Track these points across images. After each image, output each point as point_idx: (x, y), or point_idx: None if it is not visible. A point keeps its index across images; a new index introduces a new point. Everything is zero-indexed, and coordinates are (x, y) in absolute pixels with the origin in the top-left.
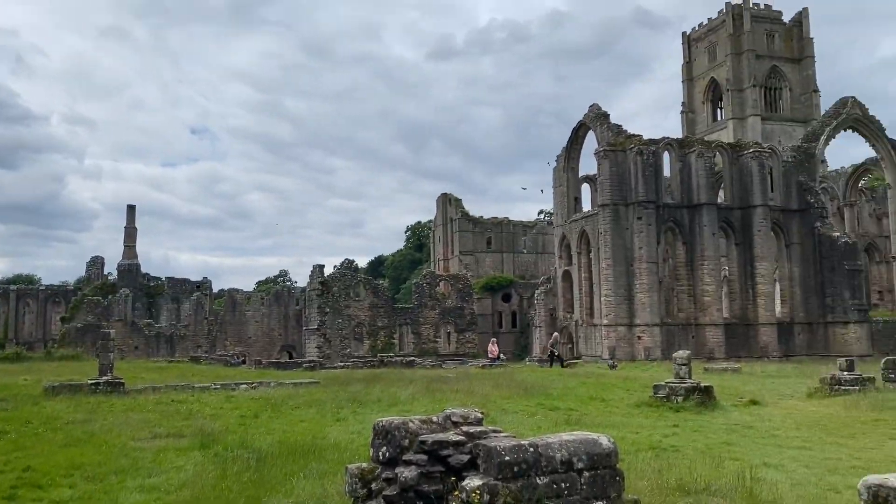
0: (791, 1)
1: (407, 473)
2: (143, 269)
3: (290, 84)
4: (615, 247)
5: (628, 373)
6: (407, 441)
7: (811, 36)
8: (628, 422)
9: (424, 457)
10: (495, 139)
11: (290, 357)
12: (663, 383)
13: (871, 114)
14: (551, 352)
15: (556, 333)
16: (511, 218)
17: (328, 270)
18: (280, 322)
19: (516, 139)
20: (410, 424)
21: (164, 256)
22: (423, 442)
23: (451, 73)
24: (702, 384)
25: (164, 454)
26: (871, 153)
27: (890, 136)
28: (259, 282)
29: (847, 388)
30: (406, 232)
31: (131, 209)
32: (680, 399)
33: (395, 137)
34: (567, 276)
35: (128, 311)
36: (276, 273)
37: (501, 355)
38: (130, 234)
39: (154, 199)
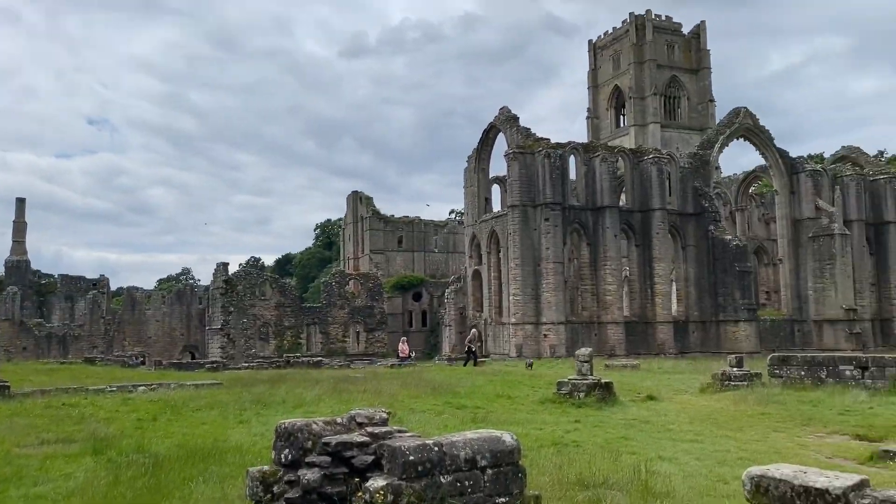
0: (690, 14)
1: (310, 475)
2: (34, 266)
3: (196, 76)
4: (523, 247)
5: (534, 370)
6: (310, 443)
7: (708, 48)
8: (533, 418)
9: (328, 458)
10: (407, 138)
11: (193, 358)
12: (566, 380)
13: (761, 124)
14: (469, 348)
15: (473, 329)
16: (422, 217)
17: (233, 268)
18: (182, 322)
19: (428, 139)
20: (314, 426)
21: (56, 252)
22: (326, 443)
23: (364, 71)
24: (603, 380)
25: (52, 461)
26: (761, 161)
27: (778, 146)
28: (160, 280)
29: (736, 383)
30: (315, 230)
31: (20, 202)
32: (582, 395)
33: (304, 134)
34: (477, 275)
35: (16, 311)
36: (179, 271)
37: (412, 354)
38: (20, 228)
39: (46, 192)
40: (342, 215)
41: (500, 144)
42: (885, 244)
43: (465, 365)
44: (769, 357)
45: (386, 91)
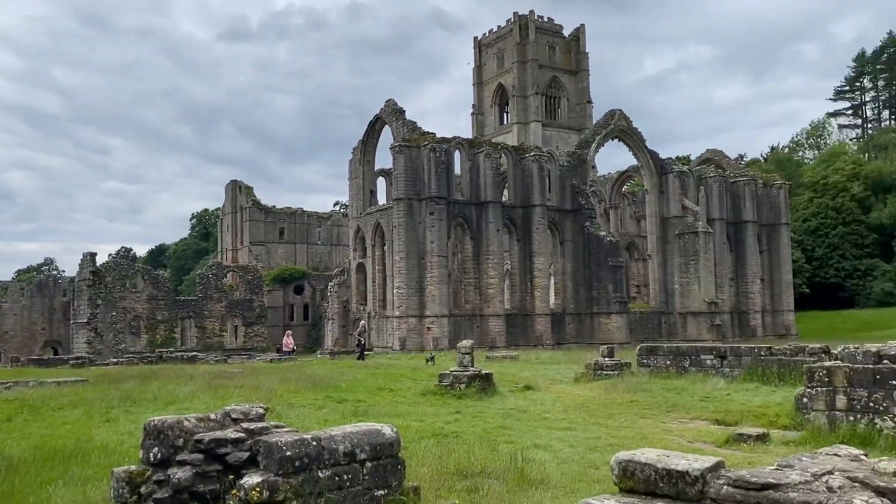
0: (570, 17)
1: (180, 474)
2: None
3: (60, 53)
4: (408, 240)
5: (417, 363)
6: (182, 440)
7: (587, 51)
8: (414, 410)
9: (200, 456)
10: (290, 127)
11: (56, 354)
12: (448, 372)
13: (634, 126)
14: (359, 340)
15: (362, 321)
16: (305, 208)
17: (102, 259)
18: (44, 315)
19: (312, 128)
20: (185, 423)
21: None
22: (199, 441)
23: (244, 56)
24: (483, 372)
25: None
26: (634, 161)
27: (649, 147)
28: (19, 270)
29: (608, 372)
30: (191, 220)
31: None
32: (463, 387)
33: (180, 119)
34: (361, 268)
35: None
36: (41, 261)
37: (295, 348)
38: None
39: None
40: (220, 205)
41: (387, 137)
42: (744, 242)
43: (359, 358)
44: (638, 347)
45: (268, 77)
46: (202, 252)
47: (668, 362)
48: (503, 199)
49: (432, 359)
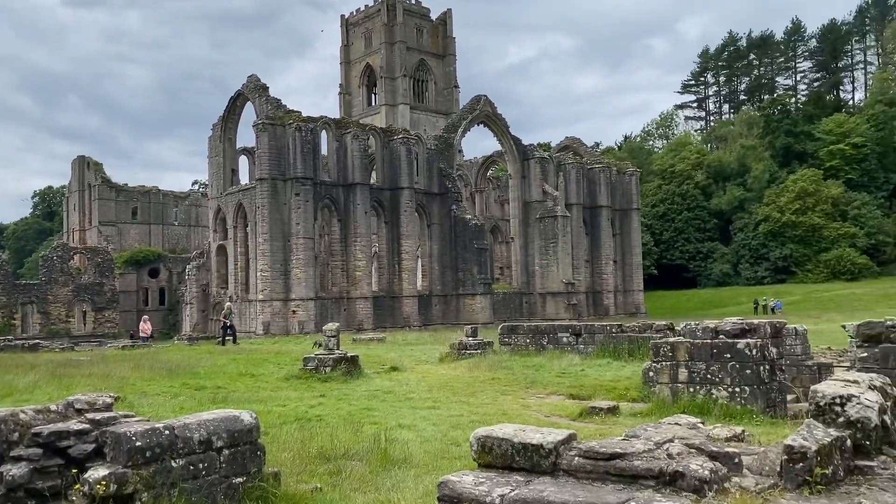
0: (437, 1)
1: (15, 471)
2: None
3: None
4: (272, 222)
5: (282, 347)
6: (17, 434)
7: (454, 35)
8: (277, 395)
9: (39, 451)
10: (144, 101)
11: None
12: (313, 355)
13: (499, 112)
14: (226, 324)
15: (228, 303)
16: (161, 187)
17: None
18: None
19: (168, 103)
20: (21, 415)
21: None
22: (37, 434)
23: (92, 23)
24: (348, 354)
25: None
26: (498, 146)
27: (513, 133)
28: None
29: (471, 352)
30: (33, 198)
31: None
32: (328, 370)
33: (19, 87)
34: (222, 250)
35: None
36: None
37: (153, 335)
38: None
39: None
40: (66, 182)
41: (249, 114)
42: (598, 226)
43: (227, 343)
44: (500, 327)
45: (118, 47)
46: (46, 233)
47: (528, 340)
48: (371, 181)
49: (320, 344)
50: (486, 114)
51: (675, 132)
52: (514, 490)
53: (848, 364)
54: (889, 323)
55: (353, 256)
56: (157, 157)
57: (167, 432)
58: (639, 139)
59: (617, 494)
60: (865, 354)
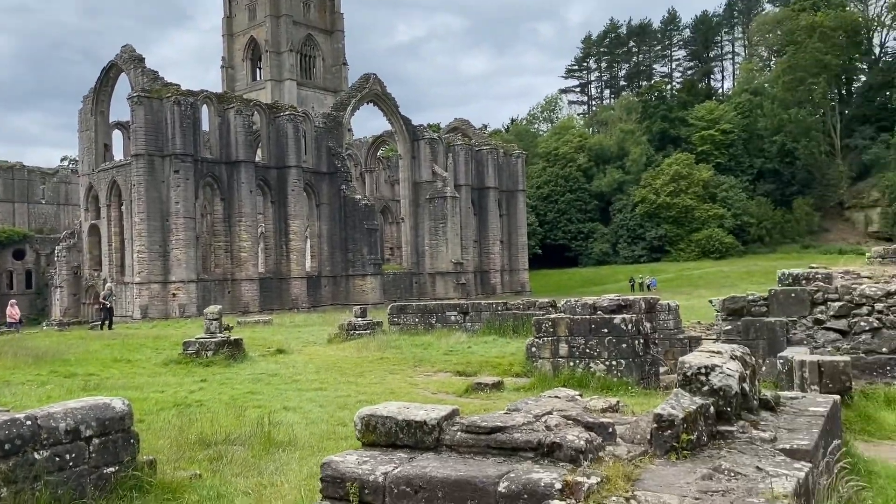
0: None
1: None
2: None
3: None
4: (150, 200)
5: (161, 331)
6: None
7: (342, 11)
8: (154, 381)
9: None
10: (5, 70)
11: None
12: (194, 339)
13: (388, 91)
14: (104, 305)
15: (109, 284)
16: (26, 163)
17: None
18: None
19: (33, 72)
20: None
21: None
22: None
23: None
24: (232, 337)
25: None
26: (388, 126)
27: (402, 113)
28: None
29: (360, 332)
30: None
31: None
32: (210, 354)
33: None
34: (94, 230)
35: None
36: None
37: (22, 319)
38: None
39: None
40: None
41: (124, 87)
42: (486, 207)
43: (105, 328)
44: (389, 307)
45: None
46: None
47: (417, 320)
48: (257, 158)
49: (229, 328)
50: (375, 92)
51: (559, 116)
52: (397, 467)
53: (715, 337)
54: (750, 297)
55: (238, 237)
56: (21, 130)
57: (29, 423)
58: (525, 122)
59: (497, 467)
60: (729, 327)
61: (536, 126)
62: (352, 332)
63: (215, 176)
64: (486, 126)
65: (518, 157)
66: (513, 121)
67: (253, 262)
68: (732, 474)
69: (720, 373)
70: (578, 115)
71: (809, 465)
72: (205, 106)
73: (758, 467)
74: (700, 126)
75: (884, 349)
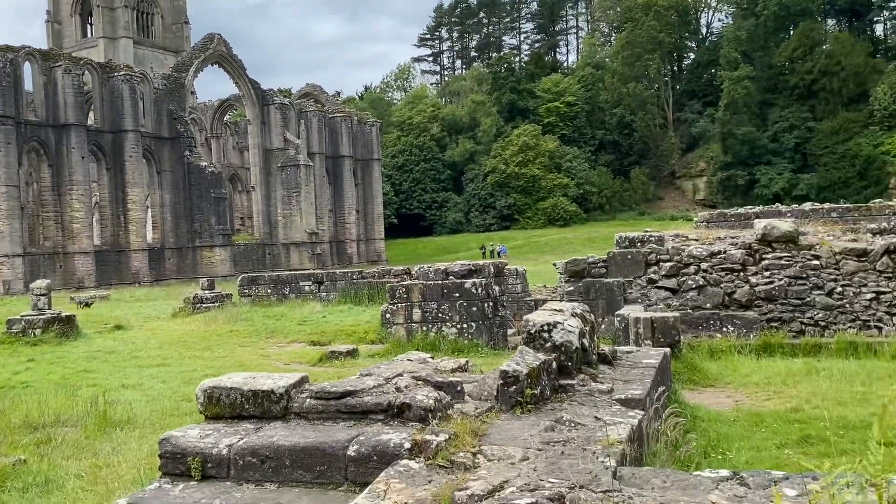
0: None
1: None
2: None
3: None
4: None
5: None
6: None
7: None
8: None
9: None
10: None
11: None
12: (19, 317)
13: (234, 53)
14: None
15: None
16: None
17: None
18: None
19: None
20: None
21: None
22: None
23: None
24: (63, 314)
25: None
26: (235, 90)
27: (251, 77)
28: None
29: (208, 305)
30: None
31: None
32: (38, 332)
33: None
34: None
35: None
36: None
37: None
38: None
39: None
40: None
41: None
42: (341, 176)
43: None
44: (239, 278)
45: None
46: None
47: (270, 291)
48: (89, 122)
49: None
50: (220, 53)
51: (413, 85)
52: (243, 439)
53: (559, 298)
54: (590, 260)
55: (70, 206)
56: None
57: None
58: (379, 90)
59: (347, 431)
60: (571, 288)
61: (390, 95)
62: (199, 305)
63: (42, 141)
64: (339, 93)
65: (373, 126)
66: (367, 88)
67: (87, 233)
68: (573, 425)
69: (562, 329)
70: (432, 84)
71: (642, 412)
72: (27, 63)
73: (596, 417)
74: (546, 98)
75: (708, 305)
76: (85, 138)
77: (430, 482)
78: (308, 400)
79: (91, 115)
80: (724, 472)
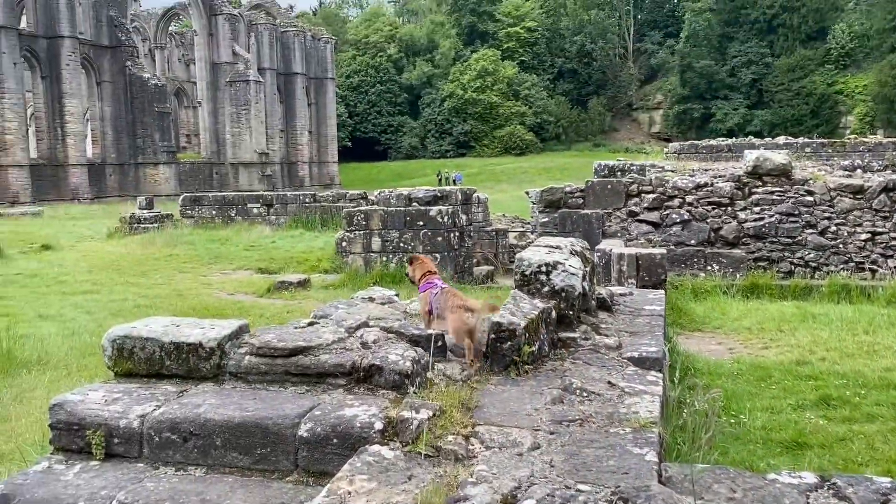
0: None
1: None
2: None
3: None
4: None
5: None
6: None
7: None
8: None
9: None
10: None
11: None
12: None
13: None
14: None
15: None
16: None
17: None
18: None
19: None
20: None
21: None
22: None
23: None
24: None
25: None
26: None
27: None
28: None
29: (147, 226)
30: None
31: None
32: None
33: None
34: None
35: None
36: None
37: None
38: None
39: None
40: None
41: None
42: (293, 94)
43: None
44: (181, 197)
45: None
46: None
47: (215, 212)
48: (22, 25)
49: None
50: None
51: (370, 1)
52: (160, 407)
53: (521, 230)
54: (567, 189)
55: (2, 116)
56: None
57: None
58: (334, 6)
59: (298, 401)
60: (546, 219)
61: (346, 11)
62: (136, 225)
63: None
64: (292, 7)
65: (327, 43)
66: (321, 3)
67: (22, 145)
68: (585, 394)
69: (563, 271)
70: (389, 2)
71: (660, 375)
72: None
73: (609, 382)
74: (507, 22)
75: (692, 241)
76: (17, 42)
77: (409, 479)
78: (248, 357)
79: (24, 18)
80: (810, 478)
